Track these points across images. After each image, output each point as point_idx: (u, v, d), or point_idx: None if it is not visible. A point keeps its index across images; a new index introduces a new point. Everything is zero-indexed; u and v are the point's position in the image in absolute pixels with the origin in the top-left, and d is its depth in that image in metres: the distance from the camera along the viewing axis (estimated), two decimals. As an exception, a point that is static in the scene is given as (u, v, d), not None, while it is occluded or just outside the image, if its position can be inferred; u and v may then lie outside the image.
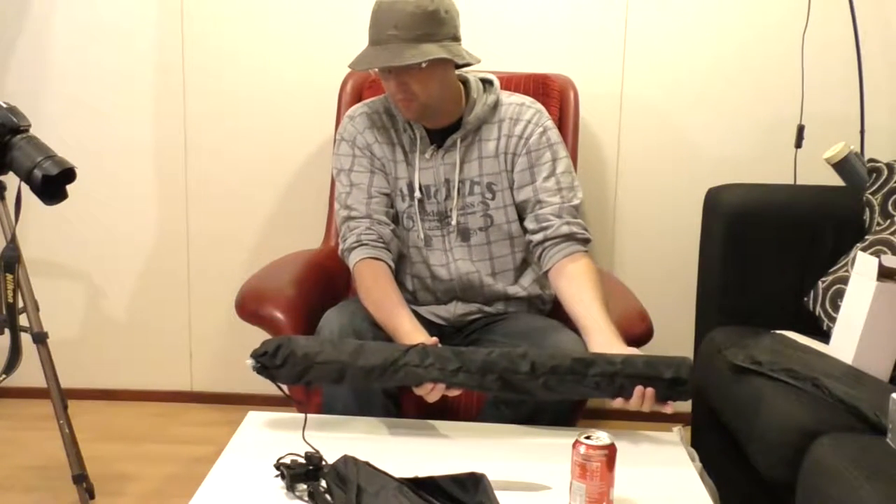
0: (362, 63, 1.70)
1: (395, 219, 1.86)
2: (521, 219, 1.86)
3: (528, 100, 1.87)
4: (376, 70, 1.72)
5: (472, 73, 1.86)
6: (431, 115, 1.79)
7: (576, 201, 1.82)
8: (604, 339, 1.62)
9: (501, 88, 1.88)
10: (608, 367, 1.52)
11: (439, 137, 1.82)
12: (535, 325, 1.79)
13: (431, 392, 1.53)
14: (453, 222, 1.83)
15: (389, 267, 1.79)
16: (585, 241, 1.80)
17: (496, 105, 1.83)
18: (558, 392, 1.54)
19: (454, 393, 1.55)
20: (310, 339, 1.59)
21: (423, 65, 1.66)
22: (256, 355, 1.55)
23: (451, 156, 1.82)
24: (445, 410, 1.76)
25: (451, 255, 1.85)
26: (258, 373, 1.55)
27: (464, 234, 1.84)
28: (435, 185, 1.83)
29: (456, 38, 1.73)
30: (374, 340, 1.68)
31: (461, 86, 1.83)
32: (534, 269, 1.91)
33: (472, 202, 1.83)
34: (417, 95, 1.71)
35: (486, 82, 1.86)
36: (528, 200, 1.82)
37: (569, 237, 1.78)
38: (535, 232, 1.81)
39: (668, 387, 1.52)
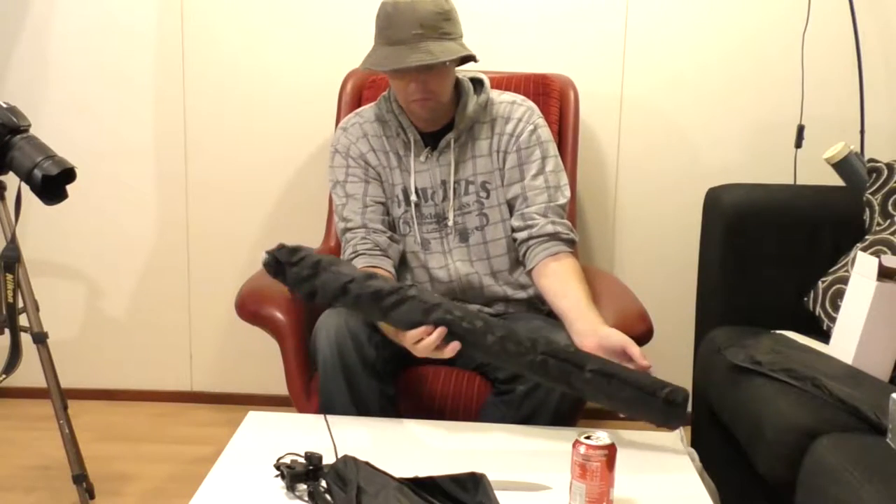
0: (391, 63, 1.67)
1: (392, 226, 1.86)
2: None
3: (518, 98, 1.87)
4: (383, 70, 1.71)
5: (462, 73, 1.86)
6: (440, 113, 1.79)
7: (562, 200, 1.83)
8: (588, 325, 1.62)
9: (500, 88, 1.89)
10: (606, 366, 1.51)
11: (432, 140, 1.83)
12: (534, 326, 1.79)
13: (425, 342, 1.49)
14: (451, 223, 1.83)
15: (390, 273, 1.79)
16: (570, 242, 1.81)
17: (487, 104, 1.84)
18: (550, 376, 1.50)
19: (448, 351, 1.50)
20: (330, 256, 1.58)
21: (448, 63, 1.67)
22: (272, 250, 1.53)
23: (446, 157, 1.82)
24: (445, 410, 1.76)
25: (450, 257, 1.85)
26: (267, 268, 1.54)
27: (462, 234, 1.84)
28: (432, 188, 1.83)
29: (462, 37, 1.76)
30: (371, 342, 1.68)
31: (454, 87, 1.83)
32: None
33: (467, 202, 1.83)
34: (435, 93, 1.73)
35: (476, 82, 1.86)
36: (515, 198, 1.83)
37: (553, 236, 1.79)
38: (520, 230, 1.82)
39: (663, 406, 1.50)
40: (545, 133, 1.85)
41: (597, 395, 1.51)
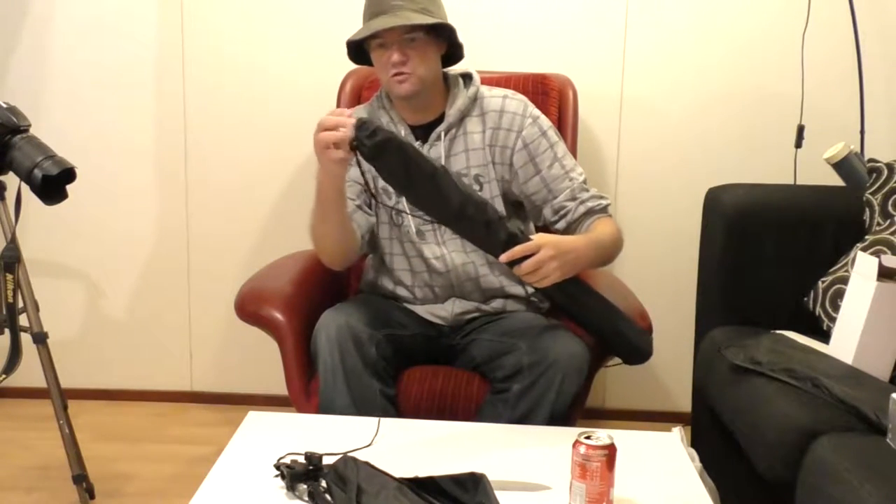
0: (365, 30, 1.71)
1: (370, 204, 1.88)
2: (516, 209, 1.89)
3: (509, 92, 1.88)
4: (361, 38, 1.73)
5: (452, 70, 1.87)
6: (422, 99, 1.80)
7: (582, 177, 1.86)
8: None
9: (498, 87, 1.89)
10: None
11: (423, 133, 1.83)
12: (533, 325, 1.80)
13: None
14: None
15: (356, 236, 1.82)
16: (604, 209, 1.85)
17: (477, 98, 1.85)
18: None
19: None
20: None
21: (425, 33, 1.70)
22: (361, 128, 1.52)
23: (437, 149, 1.82)
24: (444, 410, 1.76)
25: (444, 248, 1.85)
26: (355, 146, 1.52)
27: None
28: None
29: (447, 22, 1.77)
30: (372, 342, 1.69)
31: (442, 81, 1.84)
32: None
33: None
34: (416, 67, 1.73)
35: (466, 77, 1.87)
36: (538, 192, 1.85)
37: (587, 214, 1.84)
38: (556, 221, 1.85)
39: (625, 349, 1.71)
40: (545, 121, 1.86)
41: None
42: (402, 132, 1.82)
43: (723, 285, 2.09)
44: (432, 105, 1.83)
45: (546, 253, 1.58)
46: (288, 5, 2.53)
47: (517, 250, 1.57)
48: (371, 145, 1.50)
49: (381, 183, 1.84)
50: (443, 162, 1.82)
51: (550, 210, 1.85)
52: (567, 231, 1.84)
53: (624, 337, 1.72)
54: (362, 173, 1.79)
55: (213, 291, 2.67)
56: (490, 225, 1.60)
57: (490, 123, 1.84)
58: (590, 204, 1.83)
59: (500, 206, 1.85)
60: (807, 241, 2.05)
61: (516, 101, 1.85)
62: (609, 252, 1.80)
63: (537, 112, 1.86)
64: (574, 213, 1.83)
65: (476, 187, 1.83)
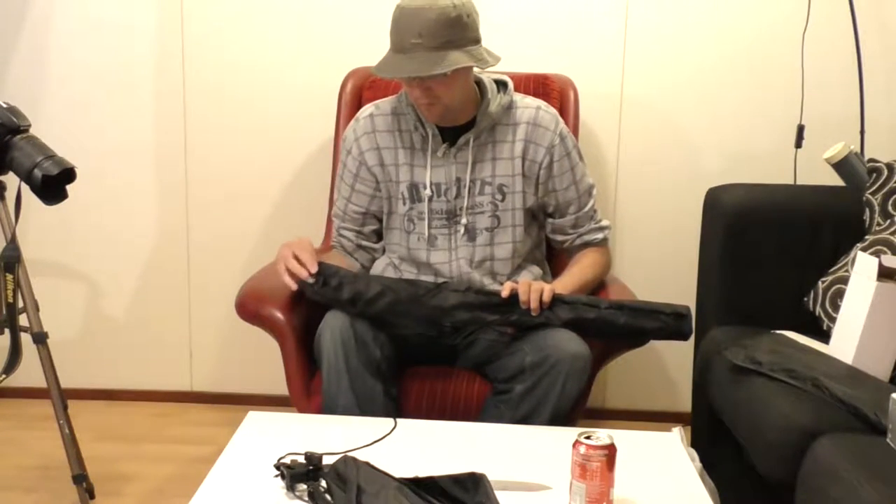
0: (387, 71, 1.71)
1: (378, 233, 1.95)
2: (535, 218, 1.92)
3: (542, 104, 1.89)
4: (381, 77, 1.74)
5: (486, 74, 1.86)
6: (452, 115, 1.80)
7: (591, 203, 1.93)
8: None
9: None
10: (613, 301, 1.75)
11: (451, 136, 1.83)
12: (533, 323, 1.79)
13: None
14: (462, 221, 1.83)
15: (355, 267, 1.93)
16: (601, 243, 1.94)
17: (510, 106, 1.84)
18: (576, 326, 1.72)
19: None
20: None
21: (448, 73, 1.67)
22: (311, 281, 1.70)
23: (464, 155, 1.82)
24: (445, 410, 1.76)
25: (454, 254, 1.85)
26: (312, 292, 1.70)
27: (471, 233, 1.85)
28: (446, 184, 1.84)
29: (477, 41, 1.74)
30: (375, 342, 1.70)
31: (475, 86, 1.83)
32: (531, 272, 1.92)
33: (481, 202, 1.84)
34: (441, 99, 1.73)
35: (500, 84, 1.87)
36: (548, 205, 1.90)
37: (584, 246, 1.92)
38: (554, 238, 1.95)
39: (671, 322, 1.74)
40: (571, 140, 1.89)
41: (613, 327, 1.73)
42: (430, 133, 1.82)
43: (723, 285, 2.10)
44: (463, 111, 1.82)
45: (524, 279, 1.75)
46: (288, 5, 2.53)
47: (507, 285, 1.70)
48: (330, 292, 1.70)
49: (401, 188, 1.85)
50: (468, 168, 1.83)
51: (550, 226, 1.93)
52: (561, 251, 1.96)
53: (660, 321, 1.76)
54: (377, 181, 1.83)
55: (213, 291, 2.68)
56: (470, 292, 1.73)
57: (521, 135, 1.84)
58: (587, 238, 1.92)
59: (519, 218, 1.86)
60: (807, 241, 2.05)
61: (549, 116, 1.86)
62: (592, 282, 1.90)
63: (566, 129, 1.89)
64: (572, 242, 1.92)
65: (499, 197, 1.84)
